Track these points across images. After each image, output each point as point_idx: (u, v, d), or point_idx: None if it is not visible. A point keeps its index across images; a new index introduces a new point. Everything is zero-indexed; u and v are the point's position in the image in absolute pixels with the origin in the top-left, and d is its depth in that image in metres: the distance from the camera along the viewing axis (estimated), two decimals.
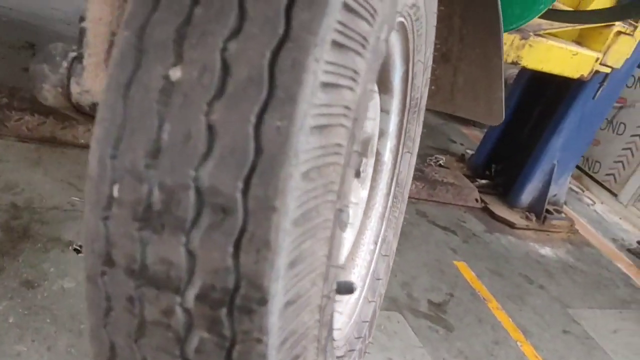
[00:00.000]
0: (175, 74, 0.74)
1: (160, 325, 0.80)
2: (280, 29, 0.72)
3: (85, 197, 0.79)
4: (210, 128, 0.73)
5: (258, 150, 0.72)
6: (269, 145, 0.71)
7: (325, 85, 0.75)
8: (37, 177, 3.86)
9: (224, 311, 0.77)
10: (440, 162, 6.37)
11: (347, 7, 0.77)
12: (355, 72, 0.81)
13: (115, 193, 0.77)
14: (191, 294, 0.77)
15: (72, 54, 1.11)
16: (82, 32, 1.07)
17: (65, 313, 2.92)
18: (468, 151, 7.03)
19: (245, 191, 0.72)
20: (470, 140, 7.85)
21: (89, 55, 1.07)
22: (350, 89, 0.81)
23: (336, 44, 0.76)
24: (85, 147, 4.31)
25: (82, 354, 2.74)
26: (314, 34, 0.72)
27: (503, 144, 6.24)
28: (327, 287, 0.91)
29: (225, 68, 0.73)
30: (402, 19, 1.19)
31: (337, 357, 1.22)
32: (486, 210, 5.85)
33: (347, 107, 0.81)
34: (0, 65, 5.10)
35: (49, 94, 1.12)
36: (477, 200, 5.89)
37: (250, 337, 0.77)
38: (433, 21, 1.47)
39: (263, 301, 0.75)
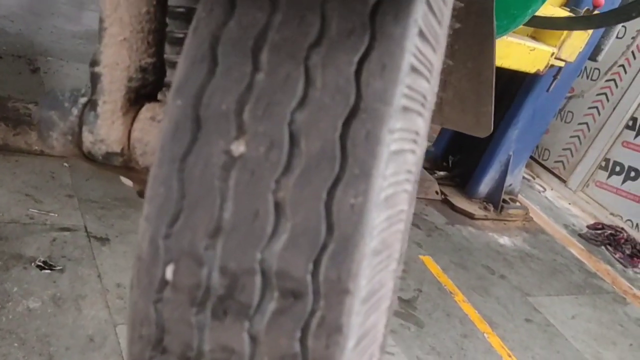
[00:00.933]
0: (239, 148, 0.68)
1: None
2: (351, 99, 0.68)
3: (134, 279, 0.72)
4: (278, 206, 0.68)
5: (330, 230, 0.67)
6: (342, 224, 0.67)
7: (393, 154, 0.71)
8: None
9: None
10: None
11: (414, 69, 0.73)
12: (417, 133, 0.78)
13: (169, 276, 0.70)
14: None
15: (82, 100, 1.02)
16: (95, 77, 0.99)
17: (33, 336, 2.78)
18: (427, 143, 7.11)
19: (315, 274, 0.68)
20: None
21: (104, 102, 0.99)
22: (413, 152, 0.77)
23: (403, 109, 0.72)
24: (40, 154, 4.10)
25: None
26: (389, 104, 0.67)
27: (460, 136, 6.33)
28: (382, 354, 0.88)
29: (293, 141, 0.68)
30: None
31: None
32: (446, 202, 5.94)
33: (409, 172, 0.77)
34: None
35: (57, 143, 1.03)
36: (437, 192, 5.97)
37: None
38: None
39: None
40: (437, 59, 0.83)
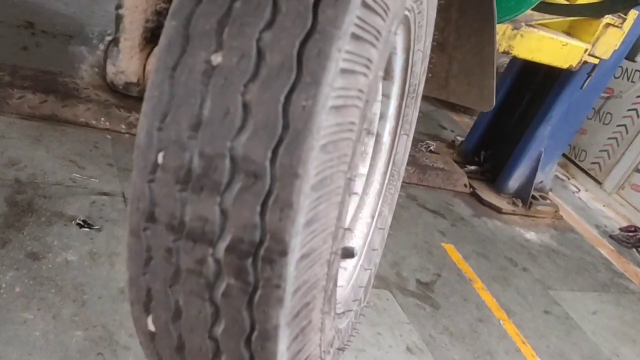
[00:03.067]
0: (217, 59, 0.86)
1: (193, 272, 0.93)
2: (308, 23, 0.85)
3: (134, 163, 0.91)
4: (245, 106, 0.86)
5: (285, 126, 0.85)
6: (295, 121, 0.84)
7: (344, 71, 0.88)
8: (39, 154, 3.96)
9: (249, 261, 0.90)
10: (431, 147, 6.53)
11: (365, 5, 0.89)
12: (369, 60, 0.94)
13: (160, 160, 0.89)
14: (222, 246, 0.90)
15: (108, 38, 1.23)
16: (118, 18, 1.19)
17: (69, 284, 3.04)
18: (458, 137, 7.19)
19: (273, 160, 0.85)
20: (460, 126, 8.01)
21: (124, 39, 1.18)
22: (364, 75, 0.94)
23: (355, 36, 0.88)
24: (85, 125, 4.41)
25: (86, 322, 2.87)
26: (338, 27, 0.85)
27: (492, 131, 6.40)
28: (335, 245, 1.05)
29: (260, 55, 0.86)
30: (407, 12, 1.32)
31: (337, 313, 1.36)
32: (474, 195, 6.02)
33: (360, 91, 0.94)
34: (0, 44, 5.16)
35: (86, 74, 1.24)
36: (465, 185, 6.05)
37: (270, 284, 0.90)
38: (433, 14, 1.59)
39: (284, 253, 0.88)
40: (393, 3, 1.00)
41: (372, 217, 1.77)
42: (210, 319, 0.96)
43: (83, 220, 3.48)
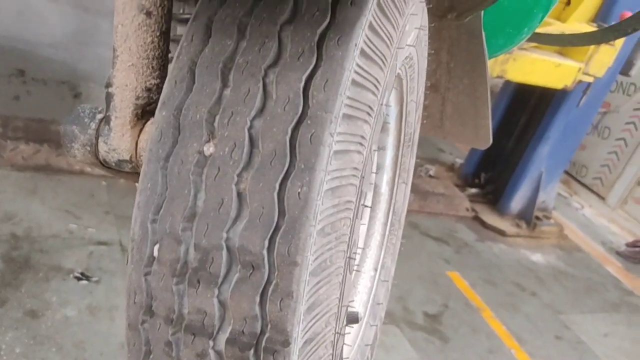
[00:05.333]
0: (209, 149, 0.85)
1: None
2: (299, 108, 0.84)
3: (129, 256, 0.89)
4: (240, 195, 0.84)
5: (281, 214, 0.83)
6: (291, 209, 0.83)
7: (338, 153, 0.86)
8: (34, 206, 3.94)
9: (251, 352, 0.87)
10: (430, 172, 6.52)
11: (356, 83, 0.88)
12: (363, 137, 0.93)
13: (156, 252, 0.88)
14: (222, 338, 0.88)
15: (99, 116, 1.22)
16: (109, 96, 1.18)
17: (70, 342, 3.00)
18: (457, 160, 7.18)
19: (270, 249, 0.83)
20: (458, 149, 8.00)
21: (115, 117, 1.17)
22: (359, 152, 0.92)
23: (346, 116, 0.87)
24: (80, 173, 4.40)
25: None
26: (329, 111, 0.83)
27: (491, 153, 6.39)
28: (339, 324, 1.02)
29: (252, 143, 0.84)
30: (398, 71, 1.31)
31: None
32: (477, 219, 5.99)
33: (355, 169, 0.92)
34: None
35: (78, 152, 1.22)
36: (467, 209, 6.02)
37: None
38: (424, 64, 1.59)
39: (286, 343, 0.86)
40: (384, 75, 0.99)
41: (375, 270, 1.74)
42: None
43: (81, 273, 3.45)
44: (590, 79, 5.28)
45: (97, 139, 1.21)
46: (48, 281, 3.33)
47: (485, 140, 2.18)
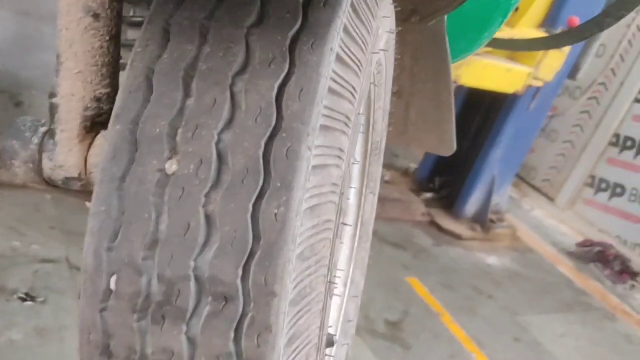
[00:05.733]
0: (171, 167, 0.75)
1: None
2: (272, 120, 0.75)
3: (81, 289, 0.79)
4: (208, 218, 0.75)
5: (256, 238, 0.74)
6: (267, 232, 0.74)
7: (315, 168, 0.78)
8: None
9: None
10: (385, 177, 6.50)
11: (333, 91, 0.80)
12: (341, 149, 0.85)
13: (112, 285, 0.77)
14: None
15: (42, 129, 1.10)
16: (53, 107, 1.06)
17: None
18: (412, 165, 7.20)
19: (244, 278, 0.74)
20: (412, 154, 8.02)
21: (61, 130, 1.06)
22: (337, 166, 0.84)
23: (324, 128, 0.79)
24: (23, 187, 4.15)
25: None
26: (306, 123, 0.75)
27: (445, 157, 6.42)
28: (319, 355, 0.94)
29: (221, 159, 0.75)
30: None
31: None
32: (433, 223, 6.00)
33: (334, 184, 0.84)
34: None
35: (19, 170, 1.10)
36: (423, 214, 6.03)
37: None
38: (391, 70, 1.53)
39: None
40: (360, 82, 0.91)
41: (345, 286, 1.66)
42: None
43: (25, 293, 3.25)
44: (539, 83, 5.38)
45: (40, 154, 1.09)
46: None
47: (450, 146, 2.14)
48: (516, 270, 5.76)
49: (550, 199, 7.75)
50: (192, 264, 0.74)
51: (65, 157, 1.07)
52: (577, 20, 5.16)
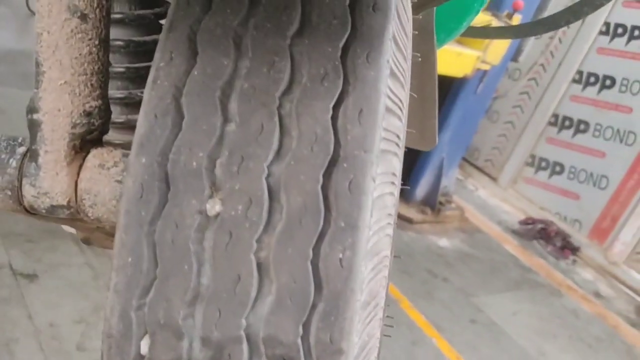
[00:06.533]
0: (214, 207, 0.63)
1: None
2: (330, 147, 0.64)
3: (104, 356, 0.66)
4: (261, 268, 0.63)
5: (319, 288, 0.63)
6: (331, 281, 0.63)
7: (375, 200, 0.68)
8: None
9: None
10: None
11: (388, 110, 0.70)
12: (394, 174, 0.75)
13: (144, 351, 0.64)
14: None
15: (21, 150, 0.94)
16: (34, 125, 0.91)
17: None
18: None
19: (306, 337, 0.63)
20: None
21: (45, 152, 0.91)
22: (391, 194, 0.74)
23: (382, 152, 0.69)
24: None
25: None
26: (369, 150, 0.64)
27: None
28: None
29: (273, 197, 0.63)
30: None
31: None
32: None
33: (390, 215, 0.74)
34: None
35: None
36: None
37: None
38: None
39: None
40: (405, 95, 0.81)
41: None
42: None
43: None
44: (487, 67, 5.42)
45: (20, 180, 0.93)
46: None
47: (431, 141, 2.07)
48: (467, 252, 5.85)
49: (493, 178, 7.92)
50: (243, 322, 0.63)
51: (51, 182, 0.92)
52: (522, 4, 5.23)
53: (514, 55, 5.92)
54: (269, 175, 0.64)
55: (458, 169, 7.13)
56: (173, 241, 0.63)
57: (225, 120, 0.65)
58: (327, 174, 0.64)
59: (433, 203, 6.17)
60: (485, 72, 5.54)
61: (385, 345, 3.80)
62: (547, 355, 4.55)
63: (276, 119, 0.64)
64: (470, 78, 5.43)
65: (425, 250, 5.53)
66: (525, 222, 7.10)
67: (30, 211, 0.96)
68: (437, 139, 2.07)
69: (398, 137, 0.77)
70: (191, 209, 0.63)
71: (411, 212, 6.01)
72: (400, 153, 0.80)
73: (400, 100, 0.78)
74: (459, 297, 4.95)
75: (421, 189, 6.18)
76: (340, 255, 0.63)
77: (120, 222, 0.64)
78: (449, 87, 5.72)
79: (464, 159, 8.08)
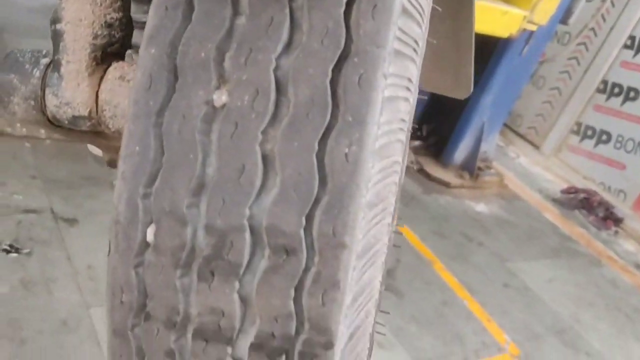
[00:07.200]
0: (221, 98, 0.63)
1: None
2: (342, 42, 0.63)
3: (112, 244, 0.67)
4: (266, 159, 0.63)
5: (323, 181, 0.63)
6: (336, 174, 0.63)
7: (387, 100, 0.67)
8: None
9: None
10: None
11: (406, 11, 0.68)
12: (410, 80, 0.73)
13: (150, 237, 0.66)
14: (245, 343, 0.68)
15: (44, 61, 0.96)
16: (57, 35, 0.92)
17: (3, 320, 2.69)
18: None
19: (309, 228, 0.64)
20: None
21: (67, 62, 0.92)
22: (406, 99, 0.73)
23: (395, 52, 0.67)
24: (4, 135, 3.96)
25: None
26: (382, 46, 0.63)
27: (434, 104, 6.31)
28: (377, 311, 0.85)
29: (280, 89, 0.63)
30: None
31: None
32: (422, 171, 5.94)
33: (403, 120, 0.73)
34: None
35: (18, 108, 0.96)
36: (412, 162, 5.95)
37: None
38: None
39: (329, 345, 0.67)
40: (427, 3, 0.79)
41: None
42: None
43: (10, 245, 3.10)
44: (533, 28, 5.24)
45: (43, 90, 0.96)
46: None
47: (466, 88, 2.03)
48: (504, 218, 5.76)
49: (536, 146, 7.73)
50: (247, 211, 0.63)
51: (72, 92, 0.94)
52: None
53: (563, 17, 5.69)
54: (277, 67, 0.63)
55: (499, 135, 6.98)
56: (180, 131, 0.63)
57: (235, 13, 0.64)
58: (337, 69, 0.63)
59: (471, 168, 6.08)
60: (531, 33, 5.35)
61: (415, 303, 3.81)
62: (581, 322, 4.48)
63: (287, 11, 0.63)
64: (516, 39, 5.26)
65: (461, 214, 5.47)
66: (567, 191, 6.93)
67: (54, 122, 0.98)
68: (472, 86, 2.03)
69: (417, 43, 0.75)
70: (198, 99, 0.63)
71: (449, 176, 5.94)
72: (419, 61, 0.78)
73: (421, 5, 0.76)
74: (494, 261, 4.89)
75: (460, 153, 6.08)
76: (346, 150, 0.62)
77: (129, 112, 0.65)
78: (493, 48, 5.57)
79: (506, 126, 7.91)
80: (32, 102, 0.97)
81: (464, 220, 5.39)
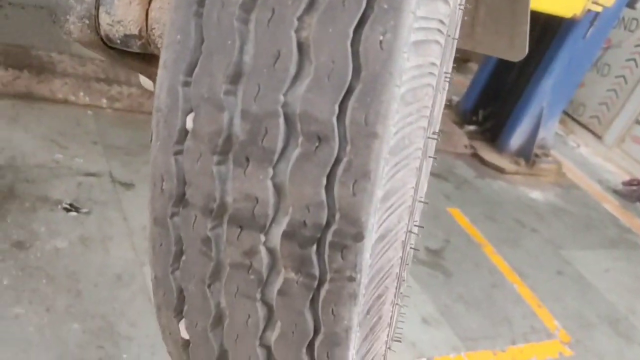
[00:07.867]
0: None
1: (240, 267, 0.73)
2: None
3: (154, 133, 0.70)
4: (301, 46, 0.64)
5: (357, 70, 0.63)
6: (370, 62, 0.63)
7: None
8: (17, 134, 3.68)
9: (313, 249, 0.70)
10: None
11: None
12: (442, 22, 0.73)
13: (190, 124, 0.68)
14: (277, 232, 0.70)
15: None
16: None
17: (61, 273, 2.82)
18: (454, 97, 6.97)
19: (341, 116, 0.64)
20: (455, 86, 7.78)
21: None
22: (437, 42, 0.73)
23: None
24: (63, 102, 4.13)
25: (83, 314, 2.67)
26: None
27: (490, 89, 6.19)
28: (410, 222, 0.85)
29: None
30: None
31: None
32: (476, 156, 5.85)
33: (441, 22, 0.73)
34: None
35: (74, 28, 1.00)
36: (466, 146, 5.87)
37: (342, 276, 0.70)
38: None
39: (359, 237, 0.68)
40: None
41: None
42: (262, 323, 0.76)
43: (70, 204, 3.24)
44: (599, 9, 5.05)
45: (97, 9, 0.99)
46: (35, 212, 3.12)
47: (521, 50, 1.98)
48: (560, 206, 5.61)
49: (598, 136, 7.48)
50: (281, 98, 0.65)
51: (124, 11, 0.97)
52: None
53: (631, 0, 5.47)
54: None
55: (559, 125, 6.79)
56: (218, 19, 0.65)
57: None
58: None
59: (528, 154, 5.94)
60: (596, 14, 5.17)
61: (463, 284, 3.75)
62: (637, 313, 4.33)
63: None
64: (580, 20, 5.09)
65: (515, 200, 5.36)
66: (629, 183, 6.69)
67: (107, 43, 1.02)
68: (527, 48, 1.98)
69: None
70: None
71: (503, 162, 5.82)
72: (451, 4, 0.77)
73: None
74: (547, 248, 4.78)
75: (516, 139, 5.95)
76: (381, 38, 0.63)
77: (172, 3, 0.67)
78: (556, 30, 5.40)
79: (567, 114, 7.68)
80: (87, 21, 1.01)
81: (517, 206, 5.28)
